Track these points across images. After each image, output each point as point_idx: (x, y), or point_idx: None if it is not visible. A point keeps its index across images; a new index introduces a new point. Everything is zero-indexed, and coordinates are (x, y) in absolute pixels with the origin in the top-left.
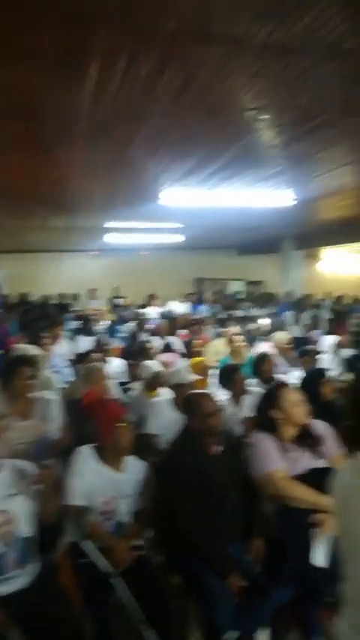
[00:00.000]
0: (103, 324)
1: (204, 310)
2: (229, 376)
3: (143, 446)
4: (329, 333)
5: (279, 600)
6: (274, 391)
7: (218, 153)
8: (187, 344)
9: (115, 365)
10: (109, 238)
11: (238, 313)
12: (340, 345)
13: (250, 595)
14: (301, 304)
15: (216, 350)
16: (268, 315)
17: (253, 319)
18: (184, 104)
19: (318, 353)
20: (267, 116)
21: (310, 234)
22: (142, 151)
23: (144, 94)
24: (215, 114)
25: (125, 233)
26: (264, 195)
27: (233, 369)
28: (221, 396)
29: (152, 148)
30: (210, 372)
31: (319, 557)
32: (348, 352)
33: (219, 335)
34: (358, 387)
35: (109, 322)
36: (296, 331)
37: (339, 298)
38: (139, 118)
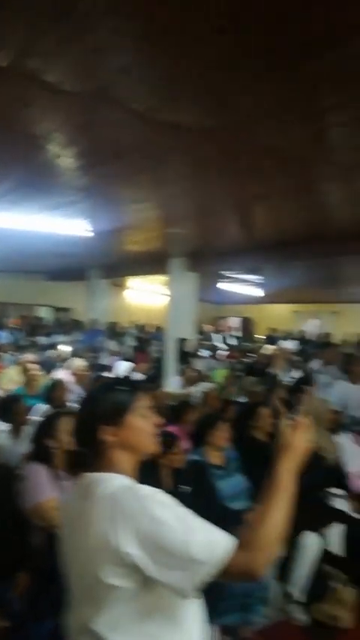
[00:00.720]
0: None
1: (4, 336)
2: (9, 407)
3: None
4: (132, 359)
5: (42, 634)
6: (49, 420)
7: (3, 174)
8: None
9: None
10: None
11: (42, 340)
12: (135, 370)
13: (13, 633)
14: (107, 332)
15: (10, 378)
16: (73, 343)
17: (55, 346)
18: None
19: None
20: (50, 145)
21: (115, 264)
22: None
23: None
24: None
25: None
26: (58, 223)
27: (13, 400)
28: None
29: None
30: None
31: None
32: (141, 377)
33: (16, 362)
34: (81, 413)
35: None
36: (103, 358)
37: (142, 327)
38: None
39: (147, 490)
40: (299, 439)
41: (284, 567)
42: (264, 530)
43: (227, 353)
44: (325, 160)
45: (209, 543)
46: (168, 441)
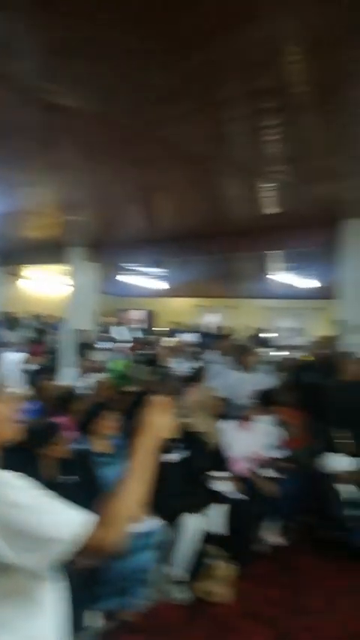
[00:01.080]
0: None
1: None
2: None
3: None
4: (28, 350)
5: None
6: None
7: None
8: None
9: None
10: None
11: None
12: (28, 361)
13: None
14: (2, 322)
15: None
16: None
17: None
18: None
19: None
20: None
21: (10, 251)
22: None
23: None
24: None
25: None
26: None
27: None
28: None
29: None
30: None
31: None
32: (34, 367)
33: None
34: None
35: None
36: None
37: (39, 317)
38: None
39: (1, 476)
40: (158, 418)
41: (166, 549)
42: (116, 507)
43: (130, 345)
44: (220, 155)
45: (64, 522)
46: (49, 431)
